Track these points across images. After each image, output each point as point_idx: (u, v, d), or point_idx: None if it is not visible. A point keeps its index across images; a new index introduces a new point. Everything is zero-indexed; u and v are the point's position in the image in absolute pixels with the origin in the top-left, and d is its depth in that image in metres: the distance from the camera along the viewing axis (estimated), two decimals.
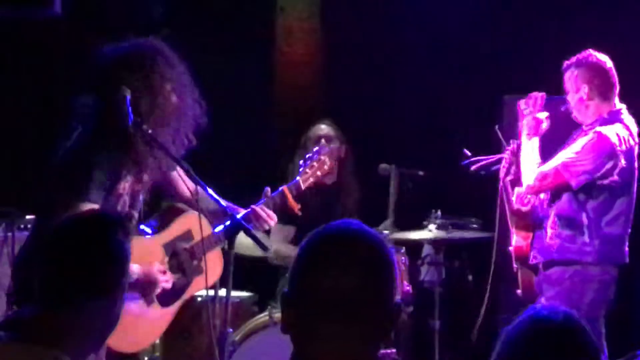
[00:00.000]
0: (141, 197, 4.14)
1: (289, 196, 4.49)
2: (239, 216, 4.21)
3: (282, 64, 7.24)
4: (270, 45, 7.19)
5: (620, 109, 5.00)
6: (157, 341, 4.74)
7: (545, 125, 5.08)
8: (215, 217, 4.26)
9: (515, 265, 5.17)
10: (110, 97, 3.93)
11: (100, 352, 3.75)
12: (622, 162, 4.88)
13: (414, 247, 5.74)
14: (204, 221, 4.03)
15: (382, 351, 4.75)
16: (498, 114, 5.96)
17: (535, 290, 5.06)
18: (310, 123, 5.83)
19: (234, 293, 4.29)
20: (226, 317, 3.96)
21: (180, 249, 4.26)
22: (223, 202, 4.14)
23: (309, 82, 7.21)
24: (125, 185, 4.02)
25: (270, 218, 4.38)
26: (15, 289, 3.97)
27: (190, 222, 4.25)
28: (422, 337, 5.65)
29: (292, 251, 5.20)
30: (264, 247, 4.10)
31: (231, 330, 4.22)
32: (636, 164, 4.98)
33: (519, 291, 5.19)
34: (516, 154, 5.11)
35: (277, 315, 4.86)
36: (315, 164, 4.65)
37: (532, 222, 5.11)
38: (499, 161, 5.21)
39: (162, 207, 4.40)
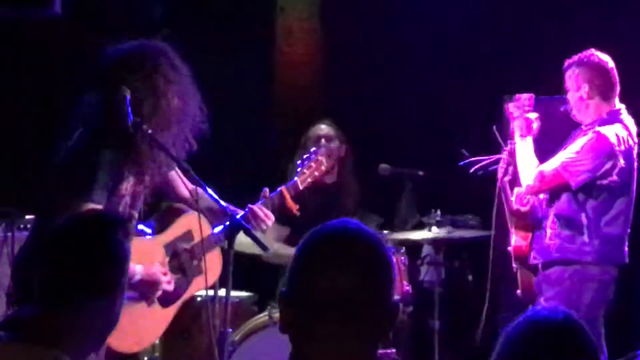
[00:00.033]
0: (142, 198, 4.14)
1: (287, 197, 4.49)
2: (238, 216, 4.21)
3: (282, 64, 7.23)
4: (270, 45, 7.19)
5: (619, 109, 5.00)
6: (157, 341, 4.74)
7: (536, 125, 5.07)
8: (215, 216, 4.26)
9: (514, 266, 5.17)
10: (110, 97, 3.93)
11: (100, 352, 3.75)
12: (621, 162, 4.88)
13: (413, 247, 5.74)
14: (204, 221, 4.03)
15: (382, 351, 4.76)
16: (498, 114, 5.96)
17: (534, 290, 5.06)
18: (310, 123, 5.83)
19: (234, 293, 4.29)
20: (226, 317, 3.95)
21: (181, 249, 4.26)
22: (222, 203, 4.14)
23: (309, 82, 7.20)
24: (127, 186, 4.02)
25: (268, 218, 4.38)
26: (15, 289, 3.97)
27: (190, 223, 4.26)
28: (421, 337, 5.64)
29: (290, 251, 5.20)
30: (263, 247, 4.09)
31: (231, 330, 4.21)
32: (635, 164, 4.98)
33: (518, 291, 5.19)
34: (513, 154, 5.12)
35: (277, 315, 4.86)
36: (312, 164, 4.65)
37: (531, 222, 5.11)
38: (496, 161, 5.21)
39: (162, 207, 4.40)
